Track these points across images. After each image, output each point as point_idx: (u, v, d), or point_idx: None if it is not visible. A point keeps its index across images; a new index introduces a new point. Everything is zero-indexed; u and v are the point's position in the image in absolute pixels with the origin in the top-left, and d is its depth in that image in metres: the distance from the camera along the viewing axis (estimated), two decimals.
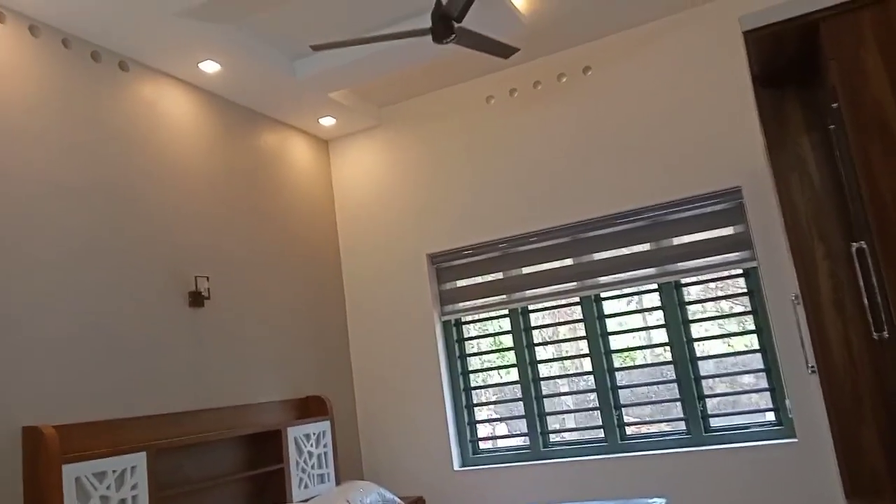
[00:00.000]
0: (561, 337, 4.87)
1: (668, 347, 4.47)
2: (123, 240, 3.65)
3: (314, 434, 4.49)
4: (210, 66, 4.11)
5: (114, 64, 3.82)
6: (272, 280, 4.65)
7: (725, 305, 4.51)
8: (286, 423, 4.28)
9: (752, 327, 4.29)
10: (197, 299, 3.99)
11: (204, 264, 4.13)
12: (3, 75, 3.23)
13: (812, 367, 2.58)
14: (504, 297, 4.91)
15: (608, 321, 4.66)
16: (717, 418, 4.34)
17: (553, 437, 4.75)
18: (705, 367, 4.40)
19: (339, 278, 5.35)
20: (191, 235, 4.08)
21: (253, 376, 4.31)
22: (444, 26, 3.40)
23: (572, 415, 4.87)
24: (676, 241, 4.46)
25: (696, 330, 4.44)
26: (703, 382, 4.38)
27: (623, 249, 4.60)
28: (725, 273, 4.36)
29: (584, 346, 4.70)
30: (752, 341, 4.30)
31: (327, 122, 5.17)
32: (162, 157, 3.99)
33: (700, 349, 4.44)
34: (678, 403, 4.41)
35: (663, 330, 4.49)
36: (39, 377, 3.11)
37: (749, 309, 4.32)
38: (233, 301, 4.28)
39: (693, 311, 4.47)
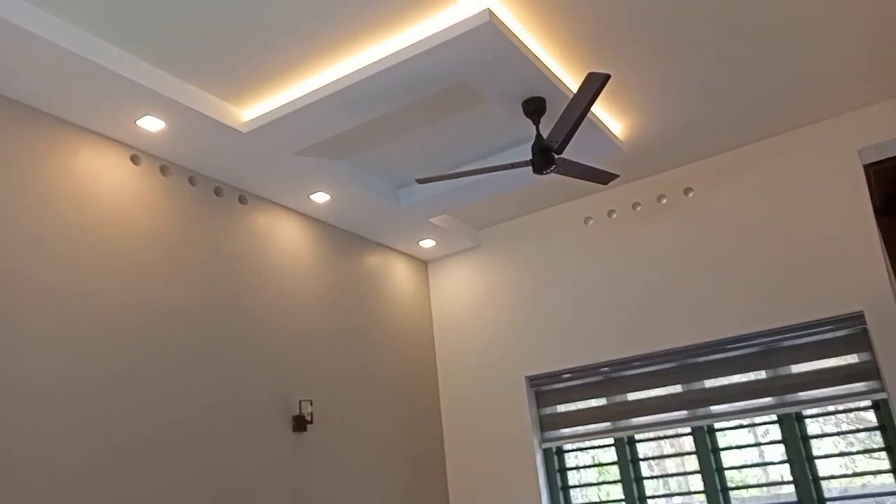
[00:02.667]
0: (671, 470, 4.56)
1: (792, 485, 4.09)
2: (234, 363, 3.77)
3: None
4: (320, 197, 4.34)
5: (234, 198, 4.09)
6: (372, 403, 4.65)
7: (855, 440, 4.13)
8: None
9: (888, 466, 3.89)
10: (300, 423, 4.02)
11: (307, 387, 4.18)
12: (135, 211, 3.51)
13: None
14: (608, 424, 4.69)
15: (723, 454, 4.34)
16: None
17: None
18: None
19: (437, 400, 5.28)
20: (296, 358, 4.17)
21: (353, 502, 4.23)
22: (544, 158, 3.46)
23: None
24: (795, 368, 4.18)
25: (824, 467, 4.06)
26: None
27: (737, 377, 4.34)
28: (852, 405, 4.02)
29: (697, 481, 4.38)
30: (888, 480, 3.88)
31: (427, 243, 5.29)
32: (271, 282, 4.17)
33: (828, 488, 4.04)
34: None
35: (786, 466, 4.13)
36: (147, 499, 3.16)
37: (882, 445, 3.93)
38: (335, 425, 4.28)
39: (818, 445, 4.11)
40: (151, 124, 3.40)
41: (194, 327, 3.62)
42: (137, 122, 3.38)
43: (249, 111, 3.58)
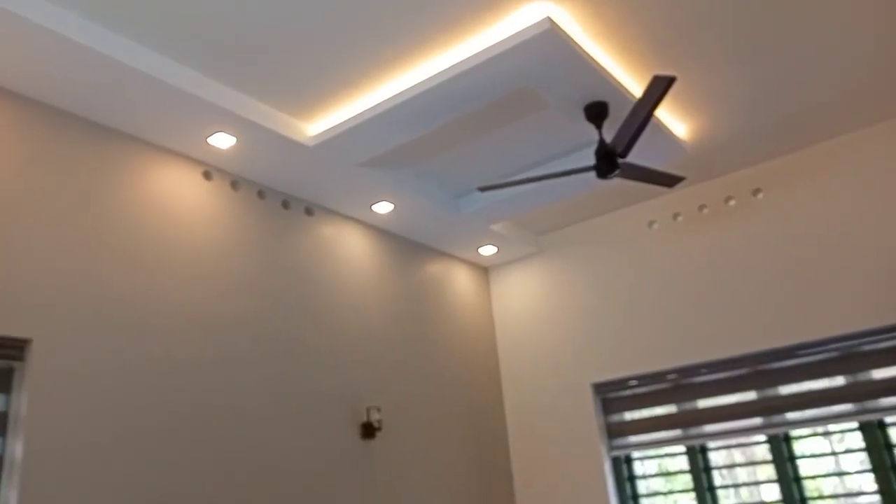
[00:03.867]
0: (741, 479, 4.42)
1: (877, 496, 3.92)
2: (302, 371, 3.85)
3: None
4: (383, 207, 4.40)
5: (301, 210, 4.19)
6: (437, 410, 4.68)
7: None
8: None
9: None
10: (369, 430, 4.07)
11: (375, 394, 4.24)
12: (208, 225, 3.63)
13: None
14: (679, 432, 4.59)
15: (801, 463, 4.19)
16: None
17: None
18: None
19: (502, 408, 5.27)
20: (362, 366, 4.23)
21: None
22: (608, 162, 3.43)
23: None
24: (877, 374, 4.01)
25: None
26: None
27: (813, 383, 4.19)
28: None
29: (770, 491, 4.24)
30: None
31: (487, 250, 5.30)
32: (337, 291, 4.24)
33: None
34: None
35: (869, 475, 3.96)
36: None
37: None
38: (402, 431, 4.33)
39: None
40: (222, 141, 3.52)
41: (264, 336, 3.72)
42: (209, 140, 3.50)
43: (315, 125, 3.66)
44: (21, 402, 2.73)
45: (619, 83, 3.41)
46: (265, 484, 3.46)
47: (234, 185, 3.85)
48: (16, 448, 2.68)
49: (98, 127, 3.29)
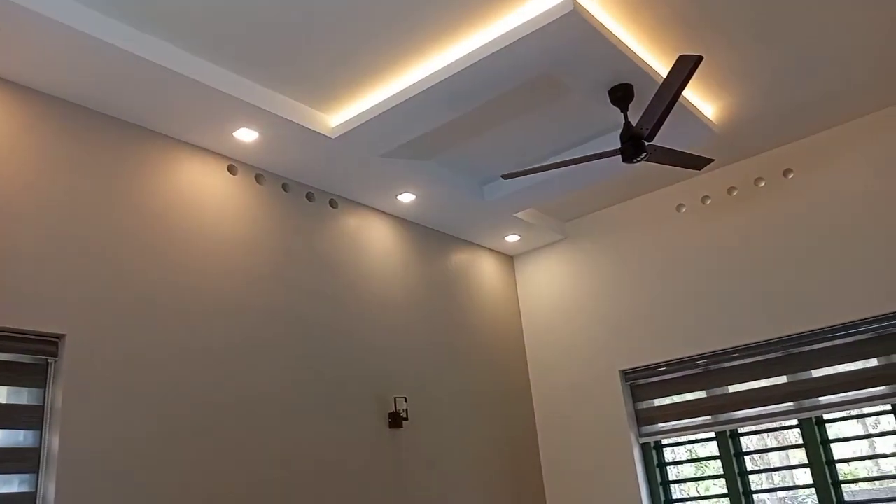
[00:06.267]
0: (774, 464, 4.37)
1: None
2: (329, 363, 3.87)
3: None
4: (407, 197, 4.39)
5: (325, 202, 4.20)
6: (464, 398, 4.68)
7: None
8: None
9: None
10: (396, 420, 4.08)
11: (401, 384, 4.25)
12: (233, 218, 3.65)
13: None
14: (709, 418, 4.55)
15: (834, 447, 4.13)
16: None
17: None
18: None
19: (529, 395, 5.26)
20: (388, 355, 4.24)
21: (448, 498, 4.27)
22: (634, 145, 3.38)
23: None
24: None
25: None
26: None
27: (846, 366, 4.12)
28: None
29: (803, 475, 4.18)
30: None
31: (512, 238, 5.27)
32: (362, 282, 4.25)
33: None
34: None
35: None
36: (256, 500, 3.28)
37: None
38: (429, 421, 4.34)
39: None
40: (247, 135, 3.52)
41: (292, 326, 3.74)
42: (234, 134, 3.51)
43: (337, 117, 3.65)
44: (56, 397, 2.78)
45: (644, 64, 3.35)
46: (294, 473, 3.49)
47: (259, 178, 3.86)
48: (53, 441, 2.73)
49: (124, 124, 3.31)
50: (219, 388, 3.30)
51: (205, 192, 3.56)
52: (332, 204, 4.24)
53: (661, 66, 3.49)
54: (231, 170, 3.73)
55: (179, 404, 3.13)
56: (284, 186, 3.98)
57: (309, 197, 4.11)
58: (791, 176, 4.45)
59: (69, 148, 3.08)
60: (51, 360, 2.83)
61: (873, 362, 4.05)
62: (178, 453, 3.06)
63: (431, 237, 4.91)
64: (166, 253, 3.29)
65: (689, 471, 4.71)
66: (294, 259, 3.88)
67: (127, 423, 2.92)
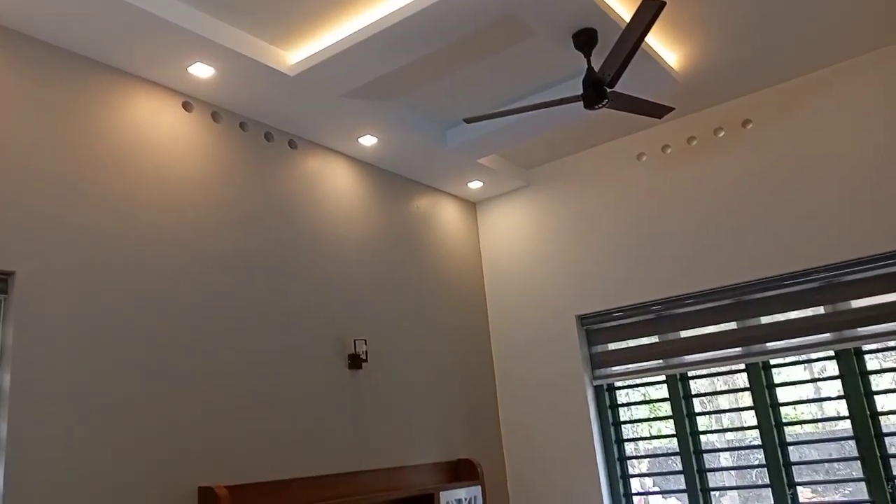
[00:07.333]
0: (725, 406, 4.55)
1: (848, 421, 4.05)
2: (288, 304, 3.87)
3: (466, 499, 4.46)
4: (368, 140, 4.34)
5: (284, 143, 4.12)
6: (424, 341, 4.74)
7: None
8: (439, 487, 4.27)
9: None
10: (355, 362, 4.13)
11: (361, 327, 4.28)
12: (188, 157, 3.57)
13: None
14: (660, 362, 4.69)
15: (779, 390, 4.30)
16: None
17: None
18: (894, 443, 3.93)
19: (488, 339, 5.35)
20: (348, 298, 4.25)
21: (407, 438, 4.37)
22: (596, 92, 3.38)
23: (737, 492, 4.52)
24: (855, 304, 4.08)
25: (884, 402, 3.99)
26: (893, 462, 3.91)
27: (793, 313, 4.27)
28: None
29: (751, 417, 4.37)
30: None
31: (475, 185, 5.27)
32: (323, 225, 4.22)
33: (886, 424, 3.99)
34: (862, 483, 3.96)
35: (843, 402, 4.08)
36: (213, 440, 3.32)
37: None
38: (388, 363, 4.39)
39: (877, 381, 4.04)
40: (202, 71, 3.42)
41: (247, 269, 3.71)
42: (188, 69, 3.40)
43: (297, 54, 3.56)
44: (7, 334, 2.74)
45: (609, 8, 3.32)
46: (251, 412, 3.52)
47: (215, 116, 3.77)
48: (4, 379, 2.70)
49: (74, 56, 3.19)
50: (174, 326, 3.29)
51: (159, 129, 3.47)
52: (292, 144, 4.17)
53: (626, 12, 3.46)
54: (186, 107, 3.63)
55: (133, 343, 3.11)
56: (242, 125, 3.90)
57: (267, 137, 4.03)
58: (750, 127, 4.50)
59: (16, 81, 2.96)
60: (1, 297, 2.78)
61: (820, 310, 4.20)
62: (130, 393, 3.06)
63: (394, 181, 4.88)
64: (118, 191, 3.22)
65: (641, 412, 4.87)
66: (251, 199, 3.83)
67: (79, 360, 2.90)
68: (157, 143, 3.44)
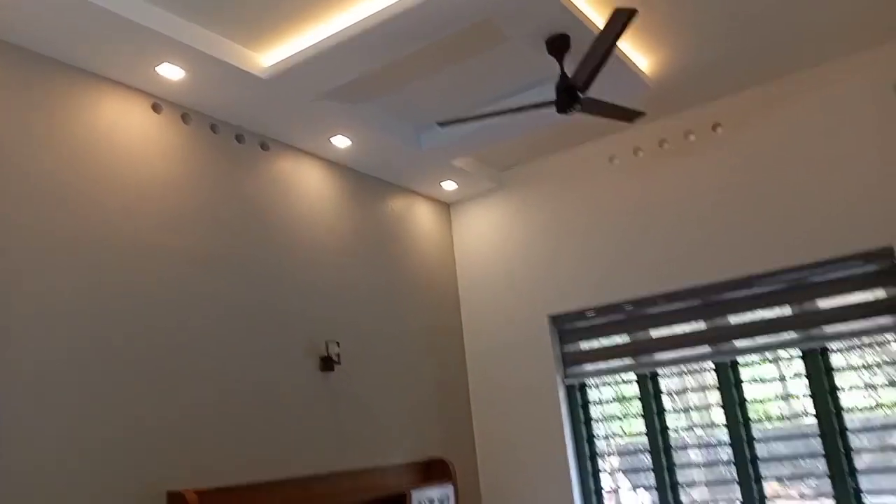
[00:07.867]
0: (694, 404, 4.63)
1: (815, 418, 4.15)
2: (260, 306, 3.85)
3: (438, 499, 4.48)
4: (341, 142, 4.32)
5: (255, 144, 4.09)
6: (397, 342, 4.74)
7: (880, 373, 4.14)
8: (411, 487, 4.29)
9: None
10: (327, 364, 4.12)
11: (334, 329, 4.27)
12: (158, 160, 3.53)
13: None
14: (631, 360, 4.76)
15: (746, 387, 4.39)
16: (872, 496, 3.96)
17: None
18: (858, 440, 4.04)
19: (461, 339, 5.37)
20: (321, 300, 4.24)
21: (379, 438, 4.37)
22: (568, 97, 3.40)
23: (706, 487, 4.60)
24: (821, 303, 4.18)
25: (848, 399, 4.10)
26: (856, 456, 4.02)
27: (761, 312, 4.35)
28: (879, 339, 4.03)
29: (720, 415, 4.45)
30: None
31: (449, 186, 5.27)
32: (295, 227, 4.20)
33: (851, 420, 4.09)
34: (827, 479, 4.06)
35: (809, 399, 4.18)
36: (183, 443, 3.29)
37: None
38: (361, 365, 4.39)
39: (842, 379, 4.14)
40: (171, 72, 3.38)
41: (220, 272, 3.68)
42: (157, 70, 3.36)
43: (269, 56, 3.53)
44: None
45: (582, 15, 3.34)
46: (222, 415, 3.50)
47: (186, 118, 3.72)
48: None
49: (40, 57, 3.12)
50: (141, 327, 3.25)
51: (128, 130, 3.42)
52: (263, 146, 4.14)
53: (600, 19, 3.49)
54: (155, 108, 3.58)
55: (99, 347, 3.07)
56: (213, 127, 3.85)
57: (239, 138, 3.99)
58: (719, 130, 4.57)
59: None
60: None
61: (787, 310, 4.29)
62: (99, 396, 3.02)
63: (367, 183, 4.86)
64: (86, 193, 3.17)
65: (614, 410, 4.93)
66: (222, 201, 3.80)
67: (44, 365, 2.85)
68: (126, 145, 3.39)
